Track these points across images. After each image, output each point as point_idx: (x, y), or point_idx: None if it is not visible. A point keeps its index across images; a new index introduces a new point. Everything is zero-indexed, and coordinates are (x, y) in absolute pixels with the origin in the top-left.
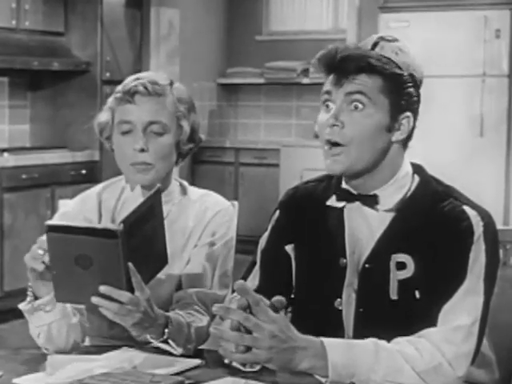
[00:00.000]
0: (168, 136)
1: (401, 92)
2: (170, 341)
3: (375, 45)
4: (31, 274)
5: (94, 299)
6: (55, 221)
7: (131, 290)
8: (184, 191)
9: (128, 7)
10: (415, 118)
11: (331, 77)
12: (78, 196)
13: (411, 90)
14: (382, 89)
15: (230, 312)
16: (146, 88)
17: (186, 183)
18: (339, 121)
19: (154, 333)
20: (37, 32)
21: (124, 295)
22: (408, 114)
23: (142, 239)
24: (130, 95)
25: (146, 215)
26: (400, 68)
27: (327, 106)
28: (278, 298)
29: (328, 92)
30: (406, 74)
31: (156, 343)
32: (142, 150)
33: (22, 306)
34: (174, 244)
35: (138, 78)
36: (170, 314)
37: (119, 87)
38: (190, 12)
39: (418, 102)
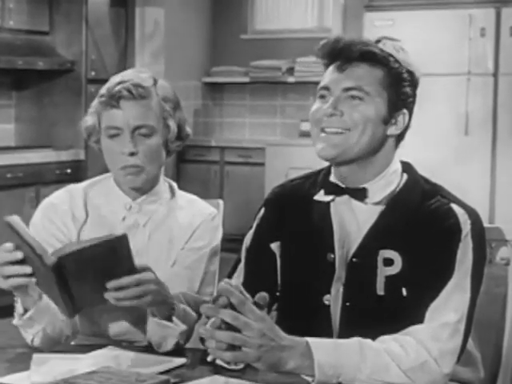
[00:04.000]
0: (156, 137)
1: (399, 88)
2: (174, 318)
3: (377, 42)
4: (17, 292)
5: (108, 295)
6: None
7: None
8: (172, 193)
9: (113, 6)
10: (410, 117)
11: (331, 67)
12: (64, 189)
13: (409, 88)
14: (382, 81)
15: (219, 311)
16: (130, 92)
17: (175, 185)
18: (338, 110)
19: (165, 309)
20: (21, 31)
21: (133, 278)
22: (404, 111)
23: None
24: (115, 100)
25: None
26: (401, 65)
27: (323, 97)
28: (261, 295)
29: (326, 87)
30: (405, 71)
31: (158, 320)
32: (132, 154)
33: (15, 322)
34: (160, 245)
35: (121, 82)
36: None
37: (103, 90)
38: (175, 11)
39: (414, 101)
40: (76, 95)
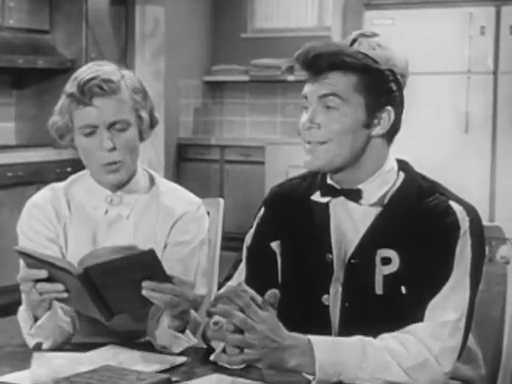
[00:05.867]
0: (131, 129)
1: (377, 88)
2: (187, 330)
3: (354, 41)
4: (36, 303)
5: (146, 292)
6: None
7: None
8: (152, 182)
9: (113, 5)
10: (399, 112)
11: (307, 77)
12: (46, 188)
13: (390, 84)
14: (357, 86)
15: (233, 315)
16: (102, 88)
17: (154, 173)
18: (315, 123)
19: (181, 322)
20: (21, 30)
21: (173, 288)
22: (388, 108)
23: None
24: (87, 98)
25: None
26: (377, 63)
27: (305, 108)
28: (272, 292)
29: (305, 96)
30: (384, 68)
31: (171, 331)
32: (111, 149)
33: (27, 332)
34: (147, 235)
35: (91, 79)
36: None
37: (72, 89)
38: (175, 9)
39: (401, 95)
40: None
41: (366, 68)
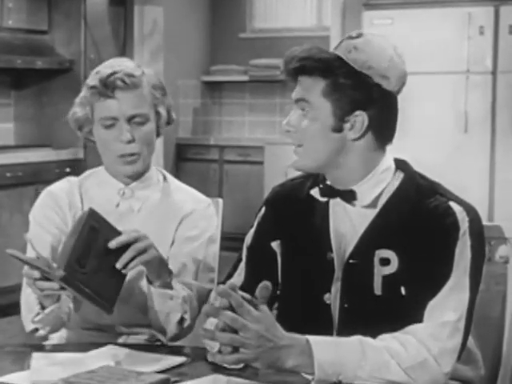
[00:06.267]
0: (150, 124)
1: (348, 92)
2: (174, 283)
3: (339, 44)
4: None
5: (118, 265)
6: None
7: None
8: (164, 179)
9: (112, 5)
10: (377, 114)
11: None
12: (63, 180)
13: (364, 87)
14: (324, 91)
15: (221, 313)
16: (124, 82)
17: (165, 172)
18: (291, 125)
19: (164, 272)
20: (20, 30)
21: (130, 235)
22: (359, 112)
23: (96, 260)
24: (110, 90)
25: (88, 240)
26: (349, 66)
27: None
28: (263, 284)
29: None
30: (358, 71)
31: (160, 290)
32: (130, 141)
33: (31, 319)
34: (155, 231)
35: (114, 72)
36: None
37: (94, 81)
38: (174, 10)
39: (382, 98)
40: (75, 94)
41: (334, 73)
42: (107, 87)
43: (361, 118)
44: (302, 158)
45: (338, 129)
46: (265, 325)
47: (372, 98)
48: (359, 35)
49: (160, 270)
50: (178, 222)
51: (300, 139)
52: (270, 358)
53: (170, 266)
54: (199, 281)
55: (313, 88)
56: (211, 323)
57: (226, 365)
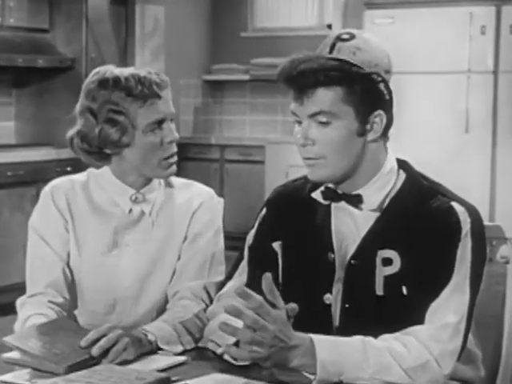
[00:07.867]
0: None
1: (364, 94)
2: (161, 345)
3: (333, 47)
4: None
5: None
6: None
7: None
8: (166, 180)
9: (113, 4)
10: (389, 112)
11: (292, 93)
12: (67, 177)
13: (376, 86)
14: (344, 98)
15: (243, 314)
16: (162, 80)
17: None
18: (309, 139)
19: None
20: (21, 29)
21: (100, 330)
22: (378, 112)
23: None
24: (159, 89)
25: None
26: (360, 67)
27: (298, 122)
28: (291, 306)
29: (294, 113)
30: (368, 71)
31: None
32: (173, 141)
33: (20, 324)
34: (163, 230)
35: (145, 75)
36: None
37: (131, 89)
38: (175, 9)
39: (389, 94)
40: (76, 93)
41: (350, 78)
42: (150, 88)
43: (379, 118)
44: (323, 169)
45: (362, 132)
46: (279, 326)
47: (383, 94)
48: (352, 36)
49: (140, 349)
50: (189, 218)
51: (321, 152)
52: (279, 358)
53: (179, 264)
54: (212, 274)
55: (332, 98)
56: (219, 320)
57: (233, 361)
